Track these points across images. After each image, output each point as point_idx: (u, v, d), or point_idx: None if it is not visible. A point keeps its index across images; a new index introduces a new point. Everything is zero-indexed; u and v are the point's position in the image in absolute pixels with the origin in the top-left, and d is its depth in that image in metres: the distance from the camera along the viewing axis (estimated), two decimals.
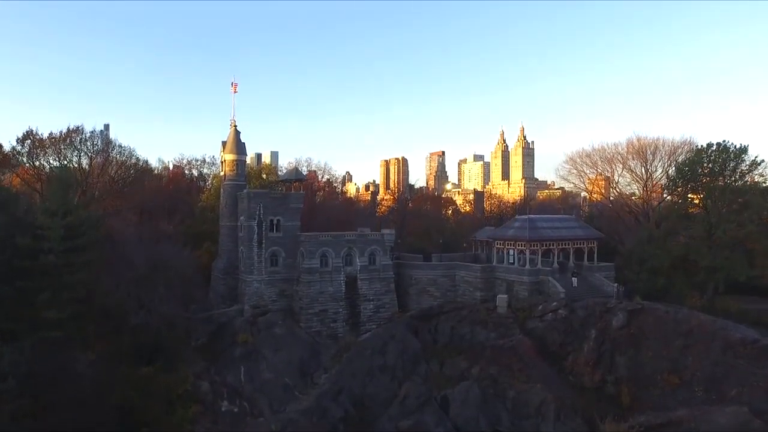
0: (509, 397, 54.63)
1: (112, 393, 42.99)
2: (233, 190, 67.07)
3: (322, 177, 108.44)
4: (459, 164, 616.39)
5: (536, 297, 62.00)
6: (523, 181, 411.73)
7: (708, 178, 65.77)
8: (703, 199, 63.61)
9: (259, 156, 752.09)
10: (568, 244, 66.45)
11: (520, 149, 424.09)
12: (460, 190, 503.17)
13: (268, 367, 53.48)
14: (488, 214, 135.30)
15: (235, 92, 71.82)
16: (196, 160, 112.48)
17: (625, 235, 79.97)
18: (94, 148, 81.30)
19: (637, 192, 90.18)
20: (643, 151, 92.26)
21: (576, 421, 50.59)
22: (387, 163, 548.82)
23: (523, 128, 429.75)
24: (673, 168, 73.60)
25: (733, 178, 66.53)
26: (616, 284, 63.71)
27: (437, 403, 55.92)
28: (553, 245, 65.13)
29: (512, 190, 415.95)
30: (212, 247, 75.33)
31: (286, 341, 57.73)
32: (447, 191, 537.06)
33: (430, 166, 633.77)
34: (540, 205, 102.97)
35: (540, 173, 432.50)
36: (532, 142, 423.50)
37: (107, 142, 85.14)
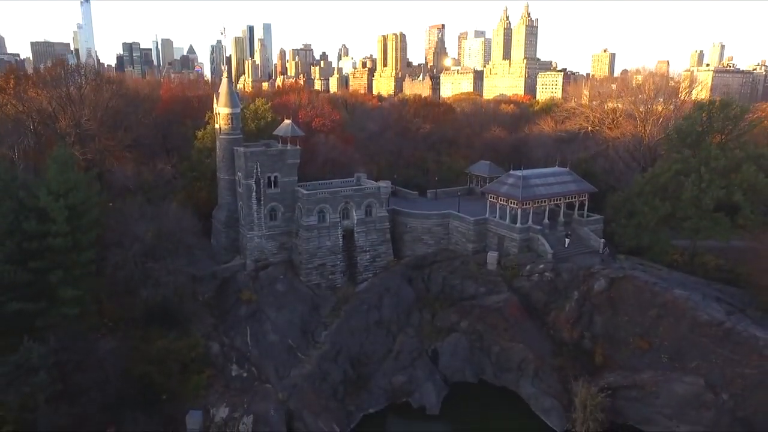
0: (494, 352, 59.96)
1: (133, 369, 47.39)
2: (229, 144, 66.63)
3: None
4: (459, 39, 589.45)
5: (525, 254, 64.93)
6: (525, 61, 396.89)
7: (705, 136, 65.81)
8: (696, 159, 64.03)
9: (251, 28, 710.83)
10: (560, 200, 68.11)
11: (523, 27, 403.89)
12: (459, 68, 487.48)
13: (272, 328, 57.71)
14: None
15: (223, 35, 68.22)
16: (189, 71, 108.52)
17: (622, 175, 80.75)
18: (84, 79, 78.92)
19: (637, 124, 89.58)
20: (643, 87, 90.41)
21: (552, 379, 56.32)
22: (384, 38, 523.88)
23: (528, 5, 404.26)
24: (671, 127, 73.08)
25: (731, 136, 66.64)
26: (602, 240, 66.54)
27: (428, 356, 61.40)
28: (545, 201, 66.76)
29: (513, 71, 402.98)
30: (212, 185, 75.83)
31: (287, 298, 61.52)
32: (446, 67, 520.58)
33: (429, 40, 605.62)
34: (538, 134, 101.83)
35: (543, 54, 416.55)
36: (537, 20, 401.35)
37: (97, 73, 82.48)
